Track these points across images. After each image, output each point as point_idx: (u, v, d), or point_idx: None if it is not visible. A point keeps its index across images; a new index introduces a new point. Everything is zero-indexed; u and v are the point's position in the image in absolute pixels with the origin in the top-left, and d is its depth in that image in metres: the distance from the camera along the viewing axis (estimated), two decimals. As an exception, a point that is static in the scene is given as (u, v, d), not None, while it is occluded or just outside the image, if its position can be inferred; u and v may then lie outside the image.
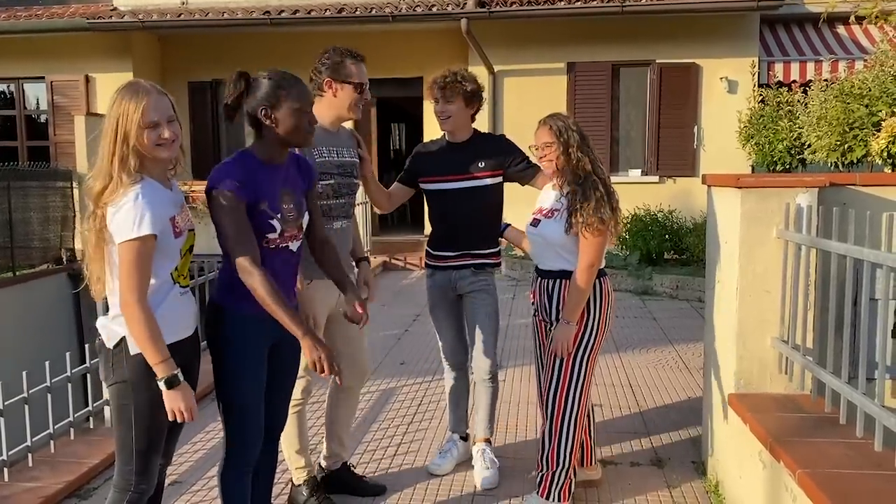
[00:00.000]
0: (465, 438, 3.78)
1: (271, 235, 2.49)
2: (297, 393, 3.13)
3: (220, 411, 2.58)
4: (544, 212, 3.18)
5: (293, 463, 3.27)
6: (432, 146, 3.59)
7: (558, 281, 3.12)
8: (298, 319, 2.41)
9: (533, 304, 3.29)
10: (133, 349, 2.27)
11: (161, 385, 2.24)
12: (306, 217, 2.64)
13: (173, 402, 2.26)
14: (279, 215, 2.50)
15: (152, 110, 2.22)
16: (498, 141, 3.55)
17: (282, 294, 2.39)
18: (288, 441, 3.21)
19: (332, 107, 3.06)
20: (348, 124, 3.37)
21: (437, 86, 3.41)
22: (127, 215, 2.17)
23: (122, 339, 2.28)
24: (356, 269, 3.29)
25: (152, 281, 2.26)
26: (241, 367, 2.51)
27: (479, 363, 3.54)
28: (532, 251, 3.28)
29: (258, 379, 2.55)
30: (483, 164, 3.42)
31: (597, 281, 3.07)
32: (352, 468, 3.55)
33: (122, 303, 2.21)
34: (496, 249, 3.56)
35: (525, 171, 3.48)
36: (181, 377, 2.26)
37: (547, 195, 3.25)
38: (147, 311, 2.20)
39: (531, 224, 3.23)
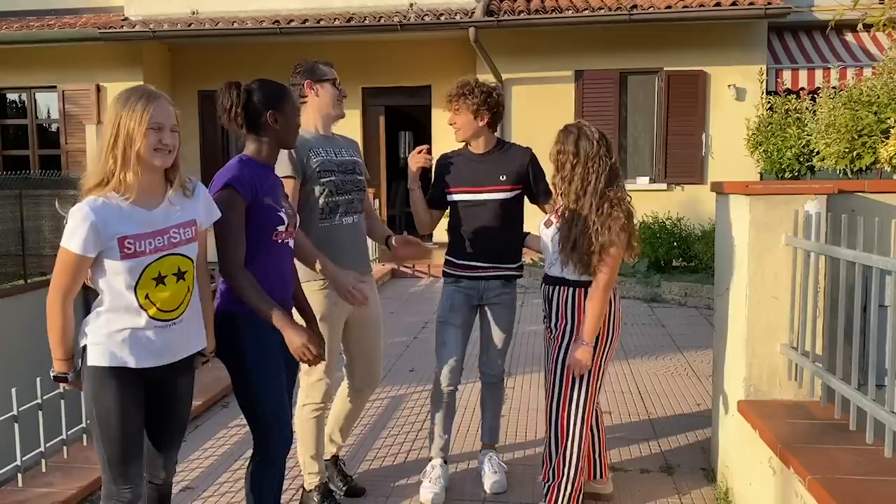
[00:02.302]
0: (447, 462, 3.65)
1: (280, 228, 2.59)
2: (317, 397, 3.18)
3: (249, 419, 2.62)
4: (558, 214, 3.13)
5: (307, 468, 3.29)
6: (453, 157, 3.53)
7: (558, 288, 3.10)
8: (282, 313, 2.51)
9: (543, 311, 3.29)
10: (91, 359, 2.27)
11: (51, 375, 2.34)
12: (298, 218, 2.78)
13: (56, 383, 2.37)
14: (283, 209, 2.61)
15: (159, 113, 2.23)
16: (523, 154, 3.48)
17: (262, 293, 2.50)
18: (304, 446, 3.25)
19: (317, 108, 3.20)
20: (340, 130, 3.44)
21: (446, 98, 3.43)
22: (69, 225, 2.20)
23: (84, 348, 2.29)
24: (392, 243, 3.37)
25: (107, 301, 2.27)
26: (264, 371, 2.55)
27: (490, 365, 3.56)
28: (544, 252, 3.24)
29: (280, 380, 2.62)
30: (504, 176, 3.41)
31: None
32: (342, 464, 3.59)
33: (48, 297, 2.25)
34: (521, 262, 3.54)
35: (537, 192, 3.49)
36: (70, 378, 2.32)
37: None
38: (62, 311, 2.24)
39: (544, 224, 3.21)
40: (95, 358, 2.27)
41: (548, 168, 3.34)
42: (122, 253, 2.20)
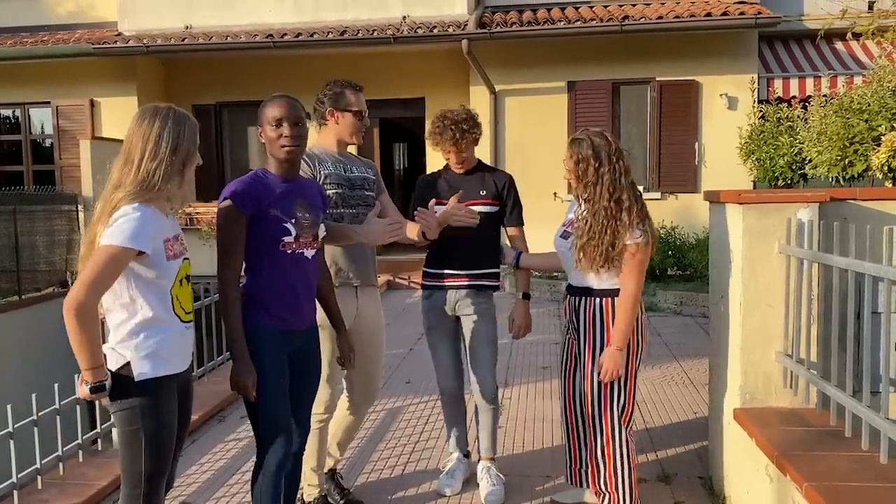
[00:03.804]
0: (467, 456, 3.81)
1: (287, 239, 2.62)
2: (318, 408, 3.20)
3: (251, 423, 2.67)
4: (576, 224, 3.12)
5: (307, 479, 3.31)
6: (434, 176, 3.67)
7: (584, 298, 3.11)
8: (240, 344, 2.55)
9: (566, 318, 3.28)
10: (141, 373, 2.28)
11: (85, 388, 2.23)
12: (322, 229, 2.78)
13: (87, 396, 2.27)
14: (293, 220, 2.63)
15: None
16: (502, 177, 3.59)
17: (238, 318, 2.55)
18: (305, 457, 3.25)
19: (336, 134, 3.29)
20: (353, 149, 3.55)
21: (449, 141, 3.44)
22: (122, 225, 2.19)
23: (128, 364, 2.29)
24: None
25: (144, 310, 2.29)
26: (264, 378, 2.58)
27: (481, 387, 3.55)
28: (563, 264, 3.25)
29: (282, 388, 2.65)
30: (484, 192, 3.52)
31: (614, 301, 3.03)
32: (339, 477, 3.60)
33: (70, 299, 2.14)
34: (496, 271, 3.57)
35: (509, 215, 3.58)
36: (108, 384, 2.24)
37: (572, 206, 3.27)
38: (93, 314, 2.17)
39: (561, 236, 3.21)
40: (146, 371, 2.28)
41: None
42: (167, 254, 2.31)
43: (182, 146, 2.31)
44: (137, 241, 2.20)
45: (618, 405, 3.06)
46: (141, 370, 2.29)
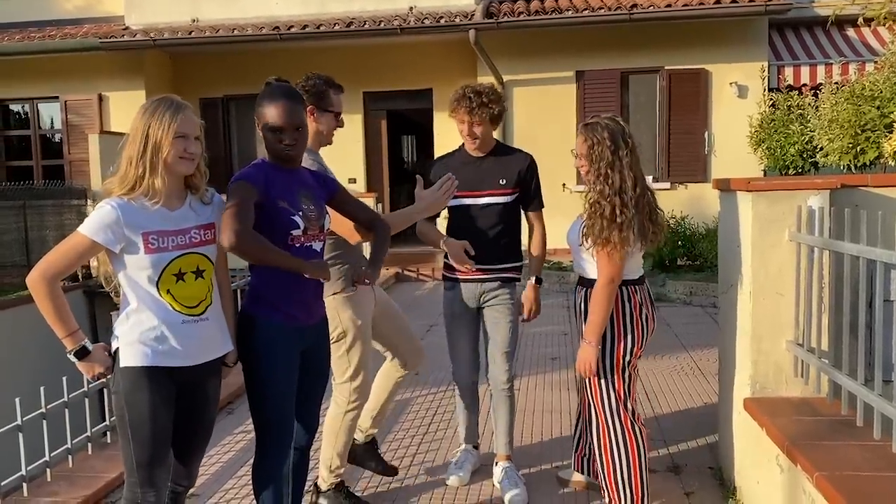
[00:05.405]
0: (476, 447, 3.80)
1: (295, 232, 2.55)
2: (361, 399, 3.24)
3: (252, 417, 2.65)
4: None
5: (328, 464, 3.31)
6: (451, 161, 3.49)
7: (577, 287, 3.15)
8: (293, 260, 2.47)
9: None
10: (124, 360, 2.31)
11: (71, 357, 2.32)
12: (328, 219, 2.71)
13: (87, 370, 2.38)
14: (300, 213, 2.57)
15: (186, 123, 2.33)
16: (522, 160, 3.47)
17: (274, 249, 2.42)
18: (336, 445, 3.29)
19: (313, 132, 3.12)
20: (342, 135, 3.45)
21: (463, 108, 3.31)
22: (90, 217, 2.31)
23: (117, 351, 2.34)
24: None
25: (133, 300, 2.33)
26: (271, 376, 2.56)
27: (498, 372, 3.51)
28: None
29: (289, 387, 2.62)
30: (504, 181, 3.40)
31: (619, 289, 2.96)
32: (376, 446, 3.65)
33: (30, 274, 2.26)
34: (519, 264, 3.51)
35: (530, 203, 3.50)
36: (90, 346, 2.33)
37: None
38: (52, 287, 2.27)
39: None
40: (128, 359, 2.31)
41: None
42: (147, 248, 2.30)
43: (151, 139, 2.29)
44: (97, 234, 2.27)
45: (608, 395, 3.01)
46: (124, 357, 2.32)
